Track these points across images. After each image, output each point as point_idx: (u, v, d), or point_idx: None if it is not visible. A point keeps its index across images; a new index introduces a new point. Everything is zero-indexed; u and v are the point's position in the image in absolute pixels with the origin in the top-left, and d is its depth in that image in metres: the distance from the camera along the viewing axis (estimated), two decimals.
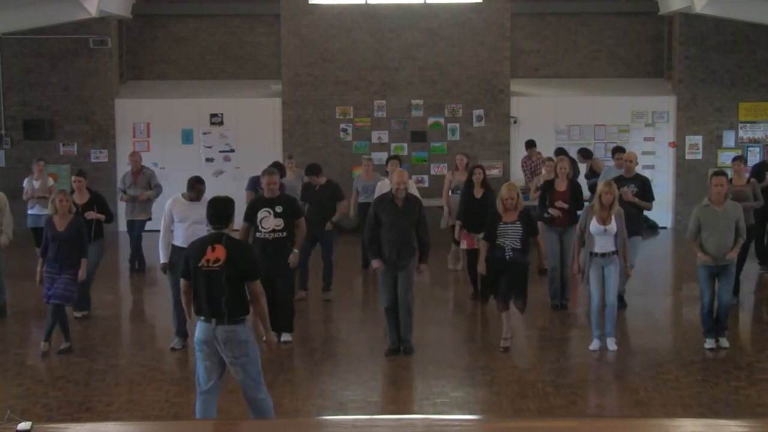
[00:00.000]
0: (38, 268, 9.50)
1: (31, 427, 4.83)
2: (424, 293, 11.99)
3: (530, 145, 15.65)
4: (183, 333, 9.60)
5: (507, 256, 9.30)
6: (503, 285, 9.35)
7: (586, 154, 14.93)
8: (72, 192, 10.73)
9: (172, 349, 9.53)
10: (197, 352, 6.68)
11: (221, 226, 6.67)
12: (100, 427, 6.03)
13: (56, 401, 8.05)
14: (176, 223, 9.41)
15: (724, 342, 9.40)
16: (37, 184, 13.46)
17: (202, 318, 6.59)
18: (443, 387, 8.40)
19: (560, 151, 14.82)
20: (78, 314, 10.59)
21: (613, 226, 9.24)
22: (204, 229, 9.45)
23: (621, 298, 10.82)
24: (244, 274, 6.58)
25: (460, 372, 8.85)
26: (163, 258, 9.52)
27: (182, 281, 6.74)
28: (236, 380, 6.74)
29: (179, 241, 9.39)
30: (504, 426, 5.73)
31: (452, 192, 12.88)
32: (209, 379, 6.68)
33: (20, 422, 4.86)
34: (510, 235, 9.30)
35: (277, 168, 11.21)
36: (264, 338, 6.80)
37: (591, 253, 9.33)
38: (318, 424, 5.89)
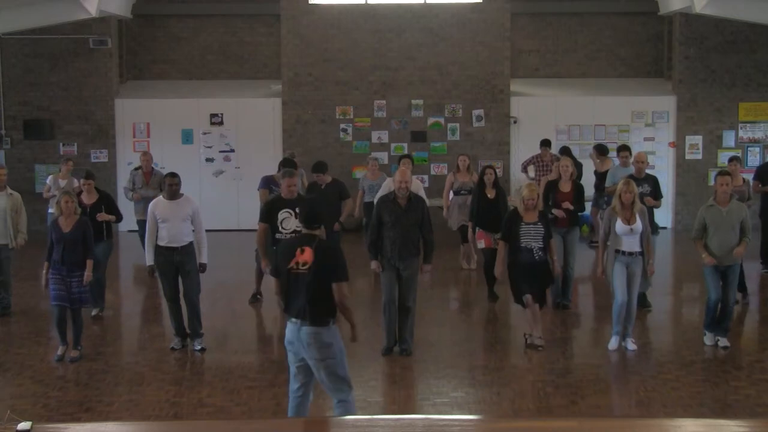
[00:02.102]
0: (43, 272, 9.39)
1: (31, 427, 4.82)
2: (427, 293, 11.99)
3: (544, 144, 15.50)
4: (182, 333, 9.63)
5: (537, 257, 9.34)
6: (543, 285, 9.42)
7: (601, 150, 14.82)
8: (80, 193, 10.78)
9: (172, 349, 9.55)
10: (287, 352, 6.81)
11: (313, 228, 6.70)
12: (100, 427, 6.02)
13: (56, 401, 8.05)
14: (160, 224, 9.43)
15: (724, 341, 9.41)
16: (62, 182, 13.40)
17: (291, 318, 6.66)
18: (443, 387, 8.41)
19: (564, 151, 14.78)
20: (94, 312, 10.70)
21: (638, 224, 9.24)
22: (189, 227, 9.49)
23: (644, 297, 10.86)
24: (331, 276, 6.57)
25: (460, 372, 8.85)
26: (149, 260, 9.54)
27: (275, 281, 6.85)
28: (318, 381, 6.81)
29: (164, 241, 9.43)
30: (504, 426, 5.73)
31: (454, 194, 12.84)
32: (297, 379, 6.78)
33: (20, 422, 4.86)
34: (534, 236, 9.34)
35: (292, 166, 11.21)
36: (351, 337, 6.93)
37: (617, 251, 9.32)
38: (318, 424, 5.88)
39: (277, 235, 9.50)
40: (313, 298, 6.52)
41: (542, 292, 9.52)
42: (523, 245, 9.34)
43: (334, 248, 6.88)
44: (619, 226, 9.26)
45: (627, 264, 9.32)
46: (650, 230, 9.48)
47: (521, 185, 10.84)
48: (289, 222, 9.46)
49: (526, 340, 9.51)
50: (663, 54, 17.71)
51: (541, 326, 9.62)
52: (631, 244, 9.29)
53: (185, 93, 17.42)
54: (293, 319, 6.62)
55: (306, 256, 6.52)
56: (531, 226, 9.35)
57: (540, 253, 9.36)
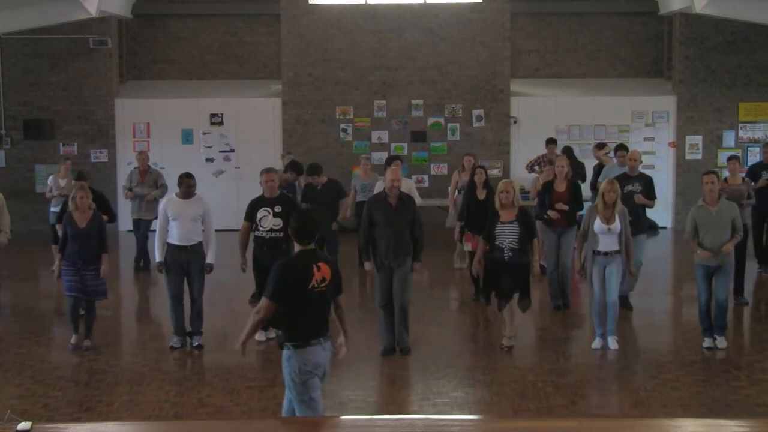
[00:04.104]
0: (56, 263, 9.60)
1: (31, 427, 4.83)
2: (425, 293, 11.99)
3: (550, 142, 15.42)
4: (181, 332, 9.63)
5: (506, 257, 9.30)
6: (505, 285, 9.34)
7: (600, 146, 14.79)
8: None
9: (171, 347, 9.55)
10: (311, 379, 6.20)
11: (311, 242, 6.34)
12: (100, 427, 6.03)
13: (56, 401, 8.05)
14: (171, 222, 9.46)
15: (722, 342, 9.37)
16: (62, 182, 13.54)
17: (306, 343, 6.18)
18: (443, 387, 8.40)
19: (566, 151, 14.73)
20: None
21: (617, 225, 9.23)
22: (199, 227, 9.51)
23: (625, 299, 10.81)
24: (339, 290, 6.46)
25: (460, 372, 8.85)
26: (158, 256, 9.58)
27: (269, 303, 6.18)
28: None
29: (174, 239, 9.46)
30: (504, 426, 5.74)
31: (459, 192, 12.84)
32: (320, 403, 6.33)
33: (20, 422, 4.86)
34: (508, 236, 9.29)
35: (294, 168, 11.21)
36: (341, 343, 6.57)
37: (594, 251, 9.33)
38: (318, 424, 5.88)
39: (256, 233, 9.58)
40: (328, 313, 6.36)
41: (522, 293, 9.39)
42: (497, 244, 9.35)
43: (335, 261, 6.84)
44: (598, 224, 9.26)
45: (604, 264, 9.32)
46: (630, 231, 9.43)
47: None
48: (266, 220, 9.49)
49: (502, 347, 9.45)
50: (663, 54, 17.71)
51: (512, 326, 9.52)
52: (608, 243, 9.28)
53: (185, 93, 17.42)
54: (312, 341, 6.19)
55: (324, 272, 6.23)
56: (506, 225, 9.30)
57: (510, 253, 9.28)
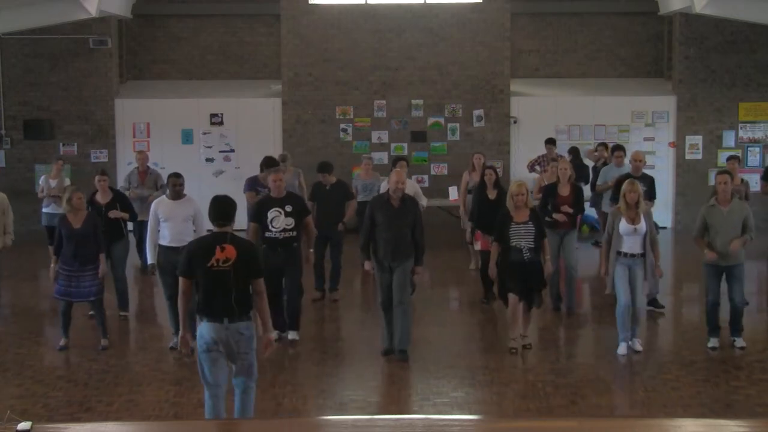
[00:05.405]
0: (51, 265, 9.62)
1: (31, 427, 4.82)
2: (426, 293, 11.99)
3: (549, 142, 15.46)
4: None
5: (526, 258, 9.29)
6: (535, 286, 9.36)
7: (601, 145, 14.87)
8: (95, 192, 10.82)
9: (171, 348, 9.55)
10: (204, 352, 6.65)
11: (225, 224, 6.72)
12: (100, 427, 6.02)
13: (56, 401, 8.06)
14: (162, 223, 9.48)
15: (740, 342, 9.40)
16: (53, 182, 13.50)
17: (210, 318, 6.60)
18: (443, 387, 8.41)
19: (573, 151, 14.75)
20: (123, 314, 10.95)
21: (642, 225, 9.20)
22: (190, 228, 9.52)
23: (655, 301, 10.85)
24: (251, 273, 6.67)
25: (460, 372, 8.85)
26: (150, 259, 9.60)
27: (182, 280, 6.73)
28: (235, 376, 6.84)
29: (166, 240, 9.47)
30: (504, 426, 5.73)
31: (469, 192, 12.84)
32: (219, 378, 6.71)
33: (20, 422, 4.86)
34: (524, 236, 9.28)
35: (272, 163, 11.17)
36: (262, 335, 6.86)
37: (618, 253, 9.28)
38: (318, 424, 5.89)
39: (267, 234, 9.54)
40: (239, 293, 6.59)
41: (531, 293, 9.42)
42: (513, 245, 9.32)
43: (251, 243, 7.13)
44: (623, 226, 9.22)
45: (629, 266, 9.27)
46: (655, 231, 9.43)
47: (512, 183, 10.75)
48: (278, 221, 9.47)
49: (512, 350, 9.40)
50: (663, 54, 17.71)
51: (527, 325, 9.56)
52: (632, 245, 9.24)
53: (185, 93, 17.42)
54: (211, 318, 6.58)
55: (228, 252, 6.55)
56: (521, 225, 9.31)
57: (529, 253, 9.29)
